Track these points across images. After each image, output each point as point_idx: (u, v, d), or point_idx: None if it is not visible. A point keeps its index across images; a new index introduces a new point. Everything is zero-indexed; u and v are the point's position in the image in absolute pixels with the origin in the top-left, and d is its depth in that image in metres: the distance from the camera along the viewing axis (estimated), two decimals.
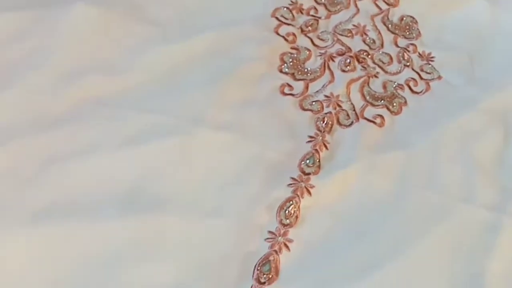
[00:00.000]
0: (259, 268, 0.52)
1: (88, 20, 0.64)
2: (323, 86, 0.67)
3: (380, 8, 0.78)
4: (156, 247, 0.50)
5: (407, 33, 0.76)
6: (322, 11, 0.77)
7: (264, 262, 0.52)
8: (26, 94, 0.57)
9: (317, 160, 0.59)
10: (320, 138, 0.61)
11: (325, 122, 0.63)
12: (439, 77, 0.71)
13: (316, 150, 0.60)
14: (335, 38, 0.73)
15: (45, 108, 0.57)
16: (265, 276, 0.51)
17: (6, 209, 0.50)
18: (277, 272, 0.52)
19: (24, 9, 0.64)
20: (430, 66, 0.73)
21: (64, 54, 0.61)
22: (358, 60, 0.71)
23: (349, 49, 0.72)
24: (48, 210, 0.51)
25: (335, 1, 0.78)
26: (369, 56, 0.72)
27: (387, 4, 0.80)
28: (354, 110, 0.65)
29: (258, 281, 0.51)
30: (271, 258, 0.52)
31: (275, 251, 0.53)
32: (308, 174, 0.58)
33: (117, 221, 0.51)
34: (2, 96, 0.57)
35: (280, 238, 0.54)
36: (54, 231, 0.50)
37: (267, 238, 0.54)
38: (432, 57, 0.74)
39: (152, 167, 0.55)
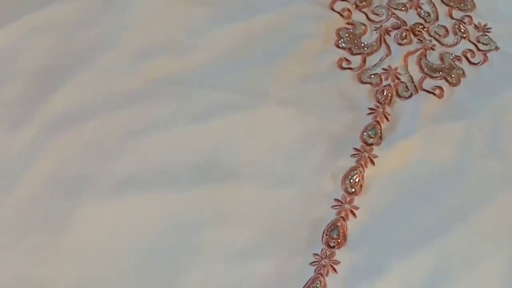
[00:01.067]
0: (327, 233, 0.54)
1: (154, 3, 0.67)
2: (381, 59, 0.68)
3: None
4: (231, 213, 0.54)
5: (462, 5, 0.76)
6: None
7: (332, 227, 0.55)
8: (102, 74, 0.61)
9: (379, 131, 0.61)
10: (381, 109, 0.63)
11: (384, 94, 0.65)
12: (497, 48, 0.72)
13: (378, 121, 0.62)
14: (390, 12, 0.74)
15: (120, 87, 0.61)
16: (333, 240, 0.54)
17: (92, 180, 0.55)
18: (345, 237, 0.55)
19: None
20: (486, 37, 0.73)
21: (134, 35, 0.65)
22: (413, 33, 0.72)
23: (404, 23, 0.73)
24: (130, 180, 0.55)
25: None
26: (425, 29, 0.73)
27: None
28: (413, 82, 0.67)
29: (328, 245, 0.54)
30: (338, 224, 0.55)
31: (342, 217, 0.56)
32: (371, 144, 0.60)
33: (194, 189, 0.55)
34: (80, 77, 0.61)
35: (346, 205, 0.56)
36: (137, 199, 0.54)
37: (334, 205, 0.56)
38: (488, 28, 0.74)
39: (222, 140, 0.58)
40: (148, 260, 0.51)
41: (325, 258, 0.53)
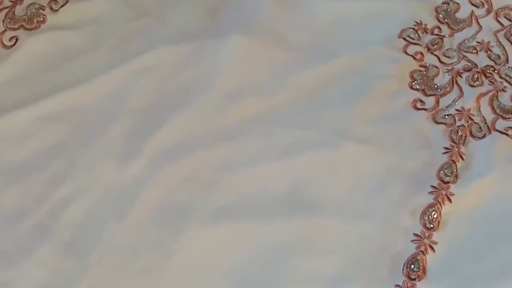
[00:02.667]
0: (408, 266, 0.58)
1: (241, 49, 0.74)
2: (454, 100, 0.72)
3: (502, 24, 0.82)
4: (317, 243, 0.59)
5: None
6: (445, 30, 0.82)
7: (412, 261, 0.59)
8: (198, 113, 0.68)
9: (455, 170, 0.65)
10: (456, 149, 0.67)
11: (459, 134, 0.68)
12: None
13: (453, 160, 0.66)
14: (461, 55, 0.78)
15: (213, 125, 0.67)
16: (414, 273, 0.58)
17: (192, 209, 0.61)
18: (424, 271, 0.58)
19: (187, 41, 0.75)
20: None
21: (224, 78, 0.72)
22: (485, 75, 0.75)
23: (475, 65, 0.76)
24: (224, 210, 0.61)
25: (458, 20, 0.82)
26: (496, 71, 0.76)
27: (509, 20, 0.83)
28: (486, 122, 0.70)
29: (409, 277, 0.57)
30: (418, 257, 0.59)
31: (422, 251, 0.59)
32: (447, 182, 0.64)
33: (281, 220, 0.60)
34: (180, 116, 0.68)
35: (425, 240, 0.60)
36: (231, 228, 0.60)
37: (413, 240, 0.60)
38: None
39: (306, 175, 0.63)
40: (243, 284, 0.57)
41: None
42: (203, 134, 0.66)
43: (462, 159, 0.66)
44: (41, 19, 0.81)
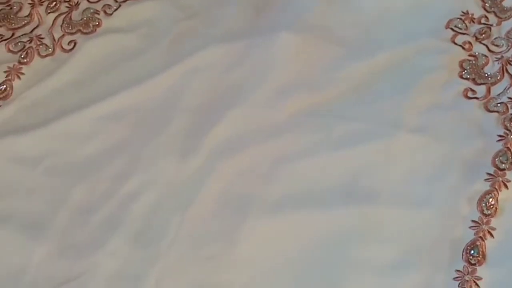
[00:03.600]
0: (467, 251, 0.59)
1: (291, 46, 0.76)
2: (505, 88, 0.72)
3: None
4: (376, 232, 0.60)
5: None
6: (492, 19, 0.82)
7: (472, 246, 0.59)
8: (252, 109, 0.70)
9: (510, 157, 0.65)
10: (510, 136, 0.67)
11: None
12: None
13: (508, 147, 0.66)
14: (510, 44, 0.78)
15: (267, 120, 0.69)
16: (474, 258, 0.59)
17: (253, 200, 0.63)
18: (484, 256, 0.59)
19: (237, 40, 0.78)
20: None
21: (275, 75, 0.74)
22: None
23: None
24: (284, 200, 0.63)
25: (504, 8, 0.82)
26: None
27: None
28: None
29: (469, 262, 0.58)
30: (477, 243, 0.60)
31: (480, 237, 0.60)
32: (503, 169, 0.64)
33: (340, 209, 0.62)
34: (235, 112, 0.70)
35: (484, 226, 0.61)
36: (291, 217, 0.62)
37: (472, 226, 0.61)
38: None
39: (362, 165, 0.65)
40: (305, 273, 0.59)
41: (467, 274, 0.58)
42: (258, 128, 0.69)
43: None
44: (97, 23, 0.86)
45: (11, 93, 0.77)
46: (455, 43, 0.77)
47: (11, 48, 0.81)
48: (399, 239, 0.59)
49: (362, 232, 0.60)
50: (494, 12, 0.82)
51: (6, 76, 0.77)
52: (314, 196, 0.63)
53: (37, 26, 0.84)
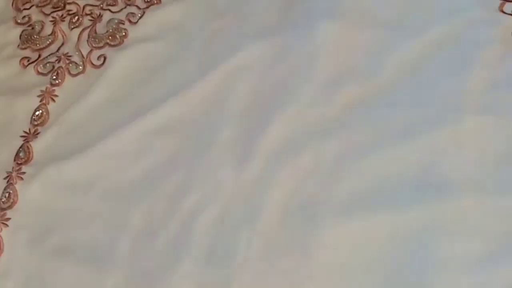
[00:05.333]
0: None
1: (332, 34, 0.72)
2: None
3: None
4: (457, 226, 0.56)
5: None
6: None
7: None
8: (303, 106, 0.67)
9: None
10: None
11: None
12: None
13: None
14: None
15: (321, 116, 0.66)
16: None
17: (322, 204, 0.60)
18: None
19: (273, 35, 0.74)
20: None
21: (321, 67, 0.70)
22: None
23: None
24: (353, 202, 0.60)
25: None
26: None
27: None
28: None
29: None
30: None
31: None
32: None
33: (414, 204, 0.58)
34: (285, 112, 0.66)
35: None
36: (365, 218, 0.58)
37: None
38: None
39: (430, 155, 0.61)
40: (389, 278, 0.55)
41: None
42: (312, 126, 0.65)
43: None
44: (123, 34, 0.82)
45: (48, 117, 0.74)
46: (504, 12, 0.74)
47: (40, 70, 0.78)
48: (485, 229, 0.56)
49: (444, 227, 0.56)
50: None
51: (41, 101, 0.75)
52: (384, 194, 0.59)
53: (62, 44, 0.81)
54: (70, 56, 0.78)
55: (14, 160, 0.69)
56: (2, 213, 0.66)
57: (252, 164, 0.63)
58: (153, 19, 0.82)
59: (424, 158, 0.61)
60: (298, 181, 0.61)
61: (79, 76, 0.77)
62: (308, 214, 0.59)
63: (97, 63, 0.78)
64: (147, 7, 0.84)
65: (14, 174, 0.68)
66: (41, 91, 0.75)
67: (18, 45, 0.80)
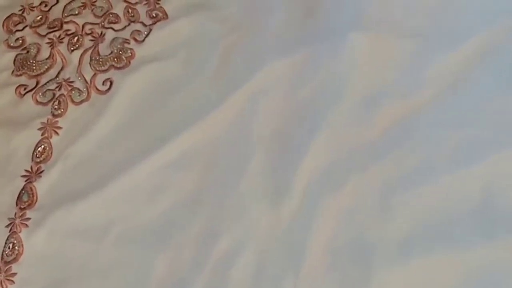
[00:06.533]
0: None
1: (361, 47, 0.66)
2: None
3: None
4: None
5: None
6: None
7: None
8: (338, 129, 0.60)
9: None
10: None
11: None
12: None
13: None
14: None
15: (359, 141, 0.59)
16: None
17: (371, 245, 0.53)
18: None
19: (296, 49, 0.67)
20: None
21: (354, 84, 0.63)
22: None
23: None
24: (410, 240, 0.52)
25: None
26: None
27: None
28: None
29: None
30: None
31: None
32: None
33: (481, 238, 0.51)
34: (319, 135, 0.59)
35: None
36: (425, 261, 0.51)
37: None
38: None
39: (493, 181, 0.54)
40: None
41: None
42: (352, 152, 0.58)
43: None
44: (129, 54, 0.74)
45: (51, 153, 0.65)
46: None
47: (39, 100, 0.70)
48: None
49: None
50: None
51: (42, 134, 0.66)
52: (443, 229, 0.52)
53: (62, 68, 0.73)
54: (71, 81, 0.70)
55: (17, 205, 0.61)
56: (6, 267, 0.58)
57: (289, 198, 0.56)
58: (161, 37, 0.74)
59: (487, 185, 0.54)
60: (343, 217, 0.54)
61: (83, 104, 0.69)
62: (358, 255, 0.52)
63: (103, 88, 0.70)
64: (154, 23, 0.76)
65: (17, 221, 0.60)
66: (42, 123, 0.67)
67: (13, 72, 0.72)
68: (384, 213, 0.54)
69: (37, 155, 0.65)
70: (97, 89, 0.70)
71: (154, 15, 0.76)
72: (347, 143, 0.59)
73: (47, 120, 0.67)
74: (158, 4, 0.78)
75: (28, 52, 0.74)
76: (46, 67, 0.72)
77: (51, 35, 0.75)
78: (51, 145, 0.66)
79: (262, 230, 0.55)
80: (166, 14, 0.76)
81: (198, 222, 0.57)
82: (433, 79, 0.63)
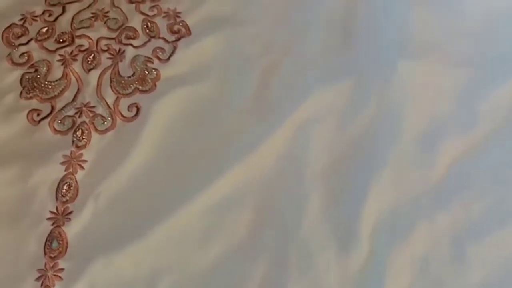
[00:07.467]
0: None
1: (412, 77, 0.63)
2: None
3: None
4: None
5: None
6: None
7: None
8: (400, 169, 0.57)
9: None
10: None
11: None
12: None
13: None
14: None
15: (425, 181, 0.56)
16: None
17: None
18: None
19: (345, 75, 0.64)
20: None
21: (409, 116, 0.61)
22: None
23: None
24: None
25: None
26: None
27: None
28: None
29: None
30: None
31: None
32: None
33: None
34: (381, 177, 0.56)
35: None
36: None
37: None
38: None
39: None
40: None
41: None
42: (418, 196, 0.56)
43: None
44: (154, 75, 0.67)
45: (77, 192, 0.58)
46: None
47: (57, 128, 0.62)
48: None
49: None
50: None
51: (66, 169, 0.59)
52: None
53: (78, 91, 0.65)
54: (92, 106, 0.63)
55: (45, 253, 0.54)
56: None
57: (356, 247, 0.53)
58: (187, 55, 0.67)
59: None
60: (416, 266, 0.52)
61: (108, 133, 0.61)
62: None
63: (129, 114, 0.63)
64: (177, 40, 0.69)
65: (50, 273, 0.53)
66: (65, 156, 0.59)
67: (21, 94, 0.63)
68: (458, 264, 0.52)
69: (63, 194, 0.58)
70: (122, 115, 0.63)
71: (176, 30, 0.70)
72: (411, 185, 0.56)
73: (71, 153, 0.59)
74: (179, 17, 0.71)
75: (36, 70, 0.65)
76: (60, 89, 0.64)
77: (62, 51, 0.66)
78: (76, 182, 0.58)
79: (332, 282, 0.51)
80: (189, 29, 0.70)
81: (259, 271, 0.53)
82: (489, 111, 0.61)
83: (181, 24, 0.70)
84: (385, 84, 0.62)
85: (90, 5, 0.71)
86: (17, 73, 0.65)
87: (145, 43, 0.68)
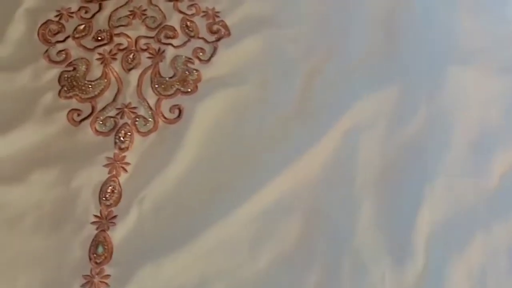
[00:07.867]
0: None
1: (464, 83, 0.62)
2: None
3: None
4: None
5: None
6: None
7: None
8: (453, 178, 0.56)
9: None
10: None
11: None
12: None
13: None
14: None
15: (479, 191, 0.55)
16: None
17: None
18: None
19: (391, 80, 0.62)
20: None
21: (460, 124, 0.59)
22: None
23: None
24: None
25: None
26: None
27: None
28: None
29: None
30: None
31: None
32: None
33: None
34: (435, 186, 0.55)
35: None
36: None
37: None
38: None
39: None
40: None
41: None
42: (473, 205, 0.55)
43: None
44: (196, 76, 0.65)
45: (121, 195, 0.56)
46: None
47: (99, 129, 0.61)
48: None
49: None
50: None
51: (109, 172, 0.57)
52: None
53: (118, 91, 0.63)
54: (134, 107, 0.62)
55: (90, 258, 0.53)
56: None
57: (412, 258, 0.52)
58: (228, 56, 0.66)
59: None
60: (473, 279, 0.51)
61: (151, 135, 0.60)
62: None
63: (171, 116, 0.61)
64: (217, 40, 0.68)
65: (96, 279, 0.52)
66: (108, 158, 0.58)
67: (60, 93, 0.62)
68: None
69: (106, 197, 0.56)
70: (164, 117, 0.61)
71: (215, 30, 0.69)
72: (465, 194, 0.55)
73: (114, 156, 0.58)
74: (218, 17, 0.70)
75: (75, 69, 0.64)
76: (100, 88, 0.63)
77: (100, 50, 0.65)
78: (120, 185, 0.57)
79: None
80: (228, 30, 0.68)
81: (311, 280, 0.52)
82: None
83: (220, 24, 0.69)
84: (435, 90, 0.61)
85: (127, 2, 0.69)
86: (55, 71, 0.63)
87: (185, 43, 0.67)
